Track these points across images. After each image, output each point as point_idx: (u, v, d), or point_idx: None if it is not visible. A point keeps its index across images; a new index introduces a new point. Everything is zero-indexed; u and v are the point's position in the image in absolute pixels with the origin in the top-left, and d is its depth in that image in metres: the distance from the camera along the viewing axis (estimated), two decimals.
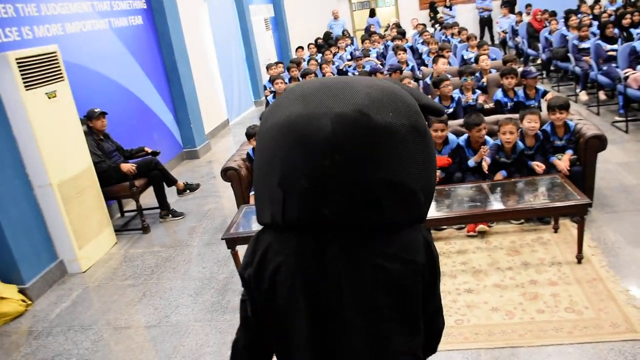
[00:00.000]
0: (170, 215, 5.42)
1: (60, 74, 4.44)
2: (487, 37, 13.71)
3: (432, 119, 4.37)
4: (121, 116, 5.92)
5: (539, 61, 9.64)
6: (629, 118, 6.05)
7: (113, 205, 5.60)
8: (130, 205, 5.74)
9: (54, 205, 4.33)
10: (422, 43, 8.95)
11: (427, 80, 6.19)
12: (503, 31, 12.02)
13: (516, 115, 4.49)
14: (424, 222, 1.09)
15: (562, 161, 4.10)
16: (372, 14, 14.61)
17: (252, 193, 4.35)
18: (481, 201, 3.71)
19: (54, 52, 4.39)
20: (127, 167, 4.99)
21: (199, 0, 8.48)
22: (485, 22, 13.54)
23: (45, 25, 4.91)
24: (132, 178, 5.00)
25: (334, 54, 9.21)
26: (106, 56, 5.83)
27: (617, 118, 6.32)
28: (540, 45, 9.29)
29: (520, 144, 4.26)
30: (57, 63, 4.41)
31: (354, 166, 0.96)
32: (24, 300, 4.03)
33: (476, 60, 6.37)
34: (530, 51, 9.95)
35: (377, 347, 1.08)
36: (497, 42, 13.00)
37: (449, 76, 5.70)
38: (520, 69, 5.42)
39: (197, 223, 5.26)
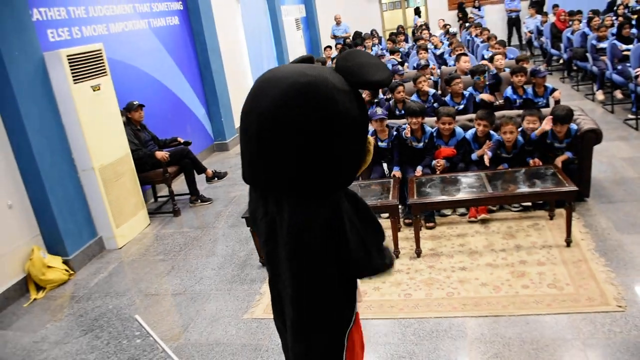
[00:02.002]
0: (199, 201, 5.89)
1: (104, 69, 4.94)
2: (515, 37, 13.82)
3: (441, 113, 4.70)
4: (157, 109, 6.43)
5: (561, 61, 9.79)
6: (639, 116, 6.21)
7: (148, 190, 6.11)
8: (163, 191, 6.24)
9: (96, 188, 4.84)
10: (435, 47, 9.26)
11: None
12: (529, 31, 12.15)
13: (520, 112, 4.76)
14: (329, 196, 1.49)
15: (556, 161, 4.30)
16: (417, 12, 14.88)
17: None
18: (478, 188, 4.03)
19: (99, 50, 4.89)
20: (161, 154, 5.48)
21: (232, 1, 8.97)
22: (514, 23, 13.64)
23: (92, 25, 5.45)
24: (165, 165, 5.48)
25: None
26: (145, 53, 6.35)
27: (629, 116, 6.49)
28: (562, 45, 9.44)
29: (521, 140, 4.53)
30: (102, 59, 4.91)
31: (273, 153, 1.41)
32: (67, 270, 4.55)
33: (491, 59, 6.65)
34: (553, 51, 10.10)
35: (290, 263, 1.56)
36: (524, 42, 13.11)
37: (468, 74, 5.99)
38: (530, 68, 5.67)
39: (223, 208, 5.71)
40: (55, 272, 4.43)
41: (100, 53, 4.89)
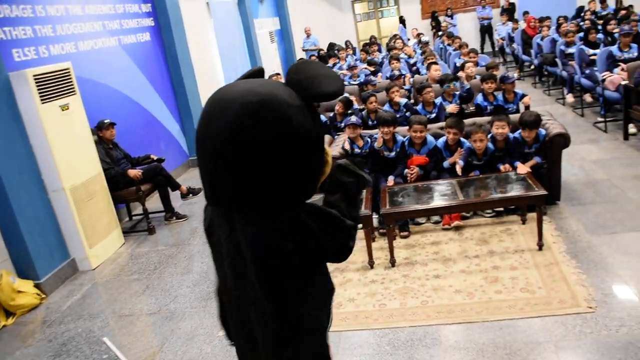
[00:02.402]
0: (175, 217, 5.83)
1: (73, 88, 4.88)
2: (488, 44, 14.03)
3: (412, 121, 4.74)
4: (130, 126, 6.37)
5: (532, 66, 9.95)
6: (608, 119, 6.33)
7: (122, 209, 6.04)
8: (138, 209, 6.17)
9: (67, 208, 4.75)
10: (408, 56, 9.37)
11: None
12: (501, 38, 12.35)
13: (489, 118, 4.82)
14: (293, 209, 1.48)
15: (524, 166, 4.31)
16: (403, 21, 14.98)
17: None
18: (450, 195, 4.05)
19: (68, 69, 4.84)
20: (134, 172, 5.42)
21: (205, 16, 8.97)
22: (486, 30, 13.87)
23: (60, 44, 5.39)
24: (138, 183, 5.42)
25: (334, 64, 9.67)
26: (116, 71, 6.31)
27: (599, 119, 6.60)
28: (533, 51, 9.61)
29: (491, 146, 4.57)
30: (70, 78, 4.85)
31: (232, 171, 1.40)
32: (38, 294, 4.43)
33: (462, 67, 6.73)
34: (524, 57, 10.28)
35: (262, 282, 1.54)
36: (497, 48, 13.32)
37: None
38: (499, 75, 5.75)
39: (198, 224, 5.65)
40: (25, 297, 4.32)
41: (69, 72, 4.84)
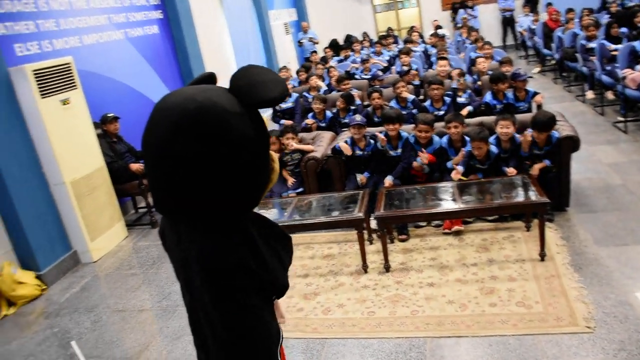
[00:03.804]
0: None
1: (74, 82, 4.86)
2: (510, 37, 13.63)
3: (418, 120, 4.60)
4: (137, 120, 6.34)
5: (553, 61, 9.61)
6: (629, 119, 6.05)
7: (128, 202, 6.05)
8: (144, 202, 6.16)
9: (68, 202, 4.77)
10: (432, 46, 9.13)
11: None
12: (524, 30, 11.97)
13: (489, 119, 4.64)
14: (237, 221, 1.42)
15: (533, 169, 4.16)
16: (453, 9, 14.47)
17: None
18: (448, 200, 3.91)
19: (69, 63, 4.82)
20: (136, 166, 5.41)
21: (216, 7, 8.87)
22: (508, 22, 13.45)
23: (64, 38, 5.36)
24: (141, 177, 5.41)
25: (346, 57, 9.51)
26: (122, 64, 6.27)
27: (619, 118, 6.33)
28: (553, 45, 9.26)
29: (494, 149, 4.37)
30: (71, 73, 4.84)
31: (172, 183, 1.34)
32: (39, 285, 4.49)
33: (474, 62, 6.52)
34: (545, 51, 9.93)
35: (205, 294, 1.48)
36: (519, 41, 12.92)
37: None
38: (511, 71, 5.53)
39: None
40: (26, 288, 4.38)
41: (70, 67, 4.81)
